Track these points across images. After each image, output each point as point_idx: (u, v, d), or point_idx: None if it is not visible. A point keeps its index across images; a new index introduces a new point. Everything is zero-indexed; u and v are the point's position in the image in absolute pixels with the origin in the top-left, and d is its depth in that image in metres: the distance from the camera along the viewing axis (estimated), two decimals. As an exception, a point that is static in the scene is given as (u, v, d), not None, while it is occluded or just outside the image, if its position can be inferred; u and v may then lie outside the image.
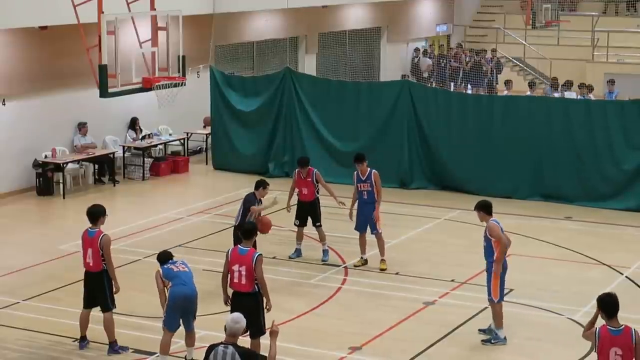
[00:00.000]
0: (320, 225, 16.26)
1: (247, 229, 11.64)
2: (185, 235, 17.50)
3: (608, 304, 9.13)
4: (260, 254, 11.39)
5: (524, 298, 14.40)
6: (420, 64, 33.74)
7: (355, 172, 15.77)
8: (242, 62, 28.20)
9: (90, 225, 12.43)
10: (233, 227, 14.73)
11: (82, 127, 22.00)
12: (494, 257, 12.49)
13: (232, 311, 11.44)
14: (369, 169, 15.66)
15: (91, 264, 12.29)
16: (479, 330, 13.11)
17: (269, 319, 10.49)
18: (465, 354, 12.56)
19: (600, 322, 9.23)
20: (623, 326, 9.11)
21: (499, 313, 12.76)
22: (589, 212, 19.56)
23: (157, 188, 22.24)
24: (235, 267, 11.30)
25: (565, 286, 15.03)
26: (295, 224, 16.43)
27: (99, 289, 12.37)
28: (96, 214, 12.41)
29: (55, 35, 20.83)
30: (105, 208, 12.58)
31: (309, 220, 16.31)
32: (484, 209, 12.76)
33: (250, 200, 14.49)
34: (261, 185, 14.69)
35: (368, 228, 15.78)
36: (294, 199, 16.49)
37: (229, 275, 11.42)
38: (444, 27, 36.90)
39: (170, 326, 11.81)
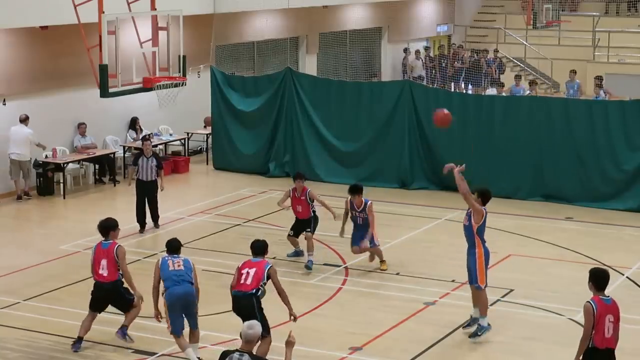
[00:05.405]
0: (310, 232, 15.88)
1: (258, 246, 11.85)
2: (185, 235, 17.48)
3: (600, 278, 9.81)
4: (273, 265, 11.64)
5: (524, 298, 14.41)
6: (411, 64, 33.78)
7: (350, 200, 15.57)
8: (242, 62, 28.19)
9: (103, 238, 12.46)
10: (137, 180, 18.04)
11: (80, 127, 22.02)
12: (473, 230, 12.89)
13: (235, 312, 11.55)
14: (364, 200, 15.45)
15: (105, 275, 12.24)
16: (464, 329, 13.11)
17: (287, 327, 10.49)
18: (465, 354, 12.56)
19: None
20: (610, 296, 9.82)
21: (485, 300, 12.78)
22: (590, 213, 19.56)
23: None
24: (245, 270, 11.49)
25: (565, 286, 15.02)
26: (289, 234, 16.22)
27: (117, 298, 12.40)
28: (107, 228, 12.46)
29: (55, 35, 20.83)
30: (117, 222, 12.64)
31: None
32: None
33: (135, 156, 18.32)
34: (143, 139, 18.78)
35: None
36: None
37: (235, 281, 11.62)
38: (445, 27, 36.88)
39: (175, 331, 11.80)
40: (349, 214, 15.64)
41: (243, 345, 8.63)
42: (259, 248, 11.79)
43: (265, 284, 11.45)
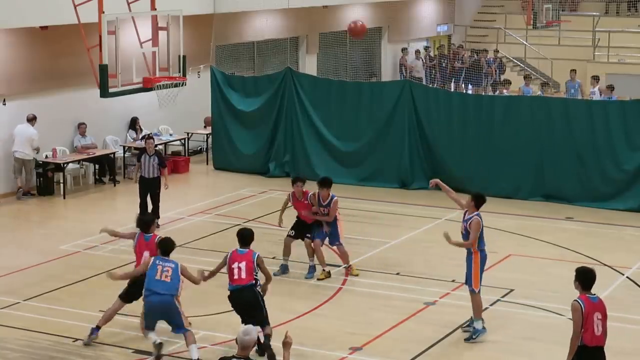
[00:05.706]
0: (311, 239, 15.39)
1: (246, 235, 11.98)
2: (186, 235, 17.48)
3: (587, 277, 9.82)
4: (259, 254, 11.90)
5: (524, 298, 14.40)
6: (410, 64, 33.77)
7: (318, 193, 15.27)
8: (242, 62, 28.19)
9: (144, 232, 12.63)
10: (139, 179, 18.30)
11: (80, 127, 22.03)
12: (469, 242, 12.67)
13: (233, 306, 11.68)
14: (330, 194, 15.19)
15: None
16: (462, 329, 13.12)
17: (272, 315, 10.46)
18: (465, 354, 12.56)
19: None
20: (596, 294, 9.84)
21: (479, 303, 12.83)
22: (590, 213, 19.55)
23: (158, 188, 22.21)
24: (235, 265, 11.71)
25: (566, 286, 14.85)
26: (289, 234, 15.57)
27: None
28: (148, 222, 12.78)
29: (55, 35, 20.82)
30: (154, 217, 13.42)
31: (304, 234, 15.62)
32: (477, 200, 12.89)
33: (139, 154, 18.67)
34: (146, 138, 18.99)
35: (326, 241, 15.48)
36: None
37: (228, 273, 11.80)
38: (445, 27, 36.88)
39: (147, 326, 11.99)
40: (318, 208, 15.29)
41: (239, 352, 8.58)
42: (247, 237, 11.95)
43: (257, 273, 11.74)
